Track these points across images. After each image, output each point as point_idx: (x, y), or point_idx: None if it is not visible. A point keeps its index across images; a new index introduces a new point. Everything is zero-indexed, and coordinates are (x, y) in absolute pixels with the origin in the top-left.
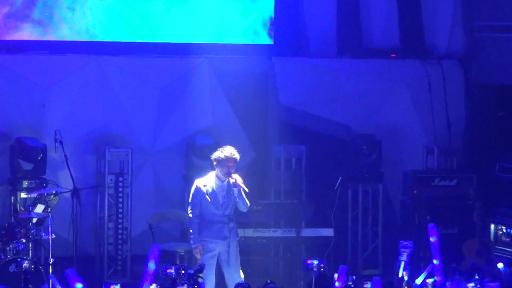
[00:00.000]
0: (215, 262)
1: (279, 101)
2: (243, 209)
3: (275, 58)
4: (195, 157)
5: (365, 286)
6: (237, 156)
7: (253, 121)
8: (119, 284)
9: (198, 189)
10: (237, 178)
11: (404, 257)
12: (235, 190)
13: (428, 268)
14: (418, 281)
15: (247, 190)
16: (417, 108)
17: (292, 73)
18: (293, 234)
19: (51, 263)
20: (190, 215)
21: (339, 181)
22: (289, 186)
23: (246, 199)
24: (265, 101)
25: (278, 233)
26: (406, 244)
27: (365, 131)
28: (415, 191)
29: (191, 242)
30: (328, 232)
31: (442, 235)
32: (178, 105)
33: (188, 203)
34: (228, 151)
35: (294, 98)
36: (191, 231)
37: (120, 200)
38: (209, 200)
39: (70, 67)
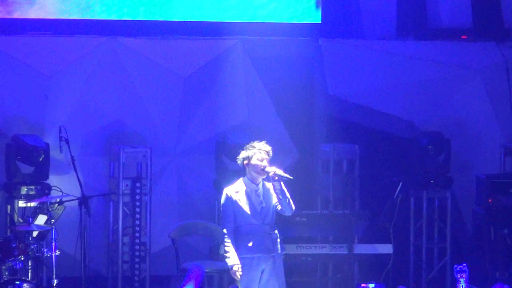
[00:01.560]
0: (258, 283)
1: (328, 91)
2: (288, 211)
3: (322, 39)
4: (227, 159)
5: None
6: (268, 147)
7: (296, 115)
8: None
9: (229, 198)
10: (275, 169)
11: (462, 284)
12: (276, 184)
13: None
14: None
15: (291, 178)
16: (493, 100)
17: (342, 58)
18: (344, 251)
19: (54, 285)
20: (224, 230)
21: (399, 187)
22: (339, 193)
23: (290, 199)
24: (310, 91)
25: (326, 249)
26: (461, 268)
27: (431, 127)
28: (490, 200)
29: (228, 262)
30: (386, 248)
31: None
32: (206, 96)
33: (220, 217)
34: (257, 144)
35: (345, 88)
36: (226, 249)
37: (137, 210)
38: (245, 209)
39: (78, 51)
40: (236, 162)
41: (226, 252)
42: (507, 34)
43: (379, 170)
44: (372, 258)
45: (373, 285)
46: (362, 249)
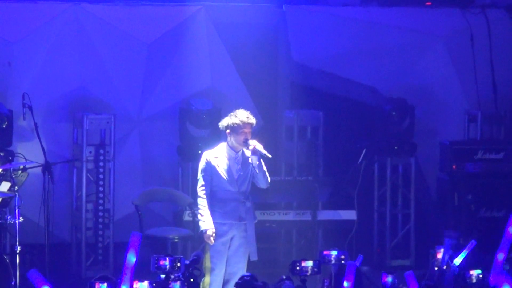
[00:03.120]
0: (227, 249)
1: (292, 58)
2: (263, 184)
3: (287, 6)
4: (190, 125)
5: (385, 279)
6: (253, 120)
7: (260, 82)
8: (106, 284)
9: (208, 162)
10: (255, 143)
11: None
12: (254, 158)
13: (468, 246)
14: (457, 261)
15: (269, 156)
16: (457, 67)
17: (307, 25)
18: (308, 217)
19: (18, 252)
20: (200, 193)
21: (363, 153)
22: (303, 160)
23: (267, 172)
24: (274, 58)
25: (290, 216)
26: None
27: (395, 94)
28: (454, 166)
29: (201, 225)
30: (350, 215)
31: (486, 219)
32: (170, 63)
33: (197, 180)
34: (243, 115)
35: (310, 55)
36: (201, 212)
37: (101, 176)
38: (222, 175)
39: (41, 17)
40: (200, 128)
41: (201, 215)
42: (471, 1)
43: (343, 136)
44: (336, 224)
45: (335, 252)
46: (326, 215)
